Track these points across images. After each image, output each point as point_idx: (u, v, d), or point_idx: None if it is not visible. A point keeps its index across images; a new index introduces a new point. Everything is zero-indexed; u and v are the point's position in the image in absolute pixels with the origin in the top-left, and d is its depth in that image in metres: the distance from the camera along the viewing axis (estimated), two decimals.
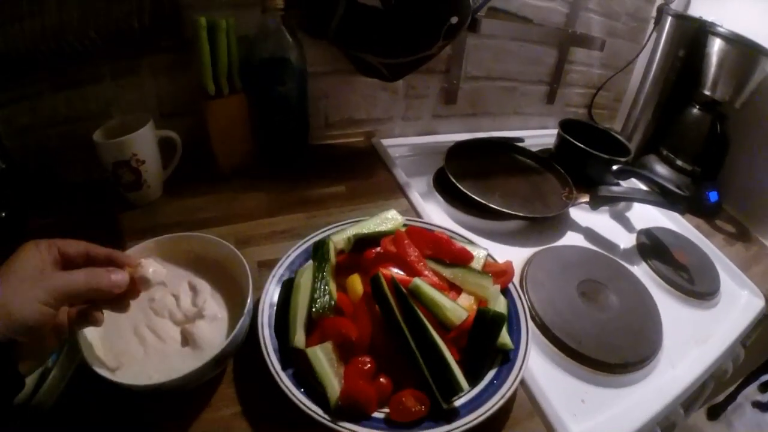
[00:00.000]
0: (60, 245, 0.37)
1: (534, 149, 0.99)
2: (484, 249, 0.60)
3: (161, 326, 0.50)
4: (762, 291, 0.79)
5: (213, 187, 0.74)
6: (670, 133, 1.04)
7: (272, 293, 0.54)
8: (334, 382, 0.44)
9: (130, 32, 0.67)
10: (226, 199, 0.73)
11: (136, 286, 0.40)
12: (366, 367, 0.46)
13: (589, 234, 0.84)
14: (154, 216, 0.68)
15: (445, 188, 0.84)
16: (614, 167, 0.88)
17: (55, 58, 0.64)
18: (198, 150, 0.74)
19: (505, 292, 0.57)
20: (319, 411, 0.43)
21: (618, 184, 0.93)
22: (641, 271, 0.77)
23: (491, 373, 0.49)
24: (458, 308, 0.49)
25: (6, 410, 0.32)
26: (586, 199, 0.83)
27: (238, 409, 0.46)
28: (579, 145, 0.91)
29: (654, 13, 1.07)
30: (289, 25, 0.71)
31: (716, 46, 0.92)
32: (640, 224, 0.90)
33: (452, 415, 0.45)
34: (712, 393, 1.11)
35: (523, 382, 0.52)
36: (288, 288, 0.54)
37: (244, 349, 0.48)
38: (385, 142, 0.95)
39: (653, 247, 0.83)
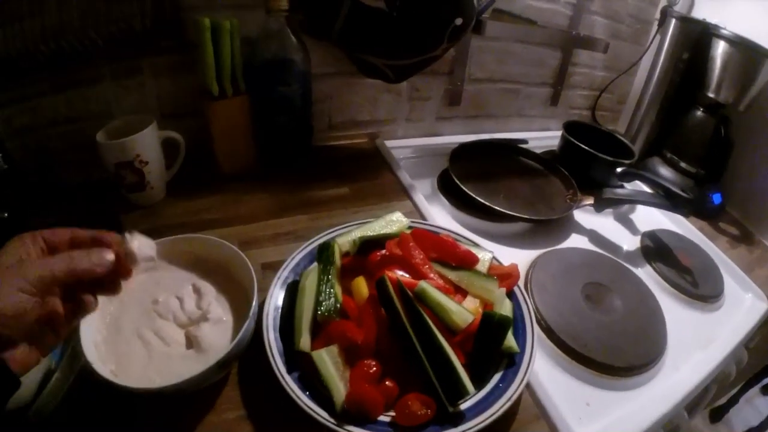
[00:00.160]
0: (45, 235, 0.36)
1: (537, 151, 0.99)
2: (490, 252, 0.60)
3: (165, 329, 0.50)
4: (765, 293, 0.79)
5: (216, 189, 0.74)
6: (674, 135, 1.04)
7: (277, 296, 0.54)
8: (339, 386, 0.44)
9: (132, 33, 0.67)
10: (229, 200, 0.72)
11: (125, 264, 0.38)
12: (372, 371, 0.45)
13: (593, 236, 0.84)
14: (157, 217, 0.68)
15: (450, 190, 0.84)
16: (618, 169, 0.87)
17: (55, 59, 0.63)
18: (200, 151, 0.73)
19: (510, 295, 0.57)
20: (325, 414, 0.43)
21: (622, 187, 0.93)
22: (645, 274, 0.77)
23: (497, 377, 0.49)
24: (464, 312, 0.48)
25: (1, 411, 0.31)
26: (590, 201, 0.83)
27: (243, 413, 0.46)
28: (583, 147, 0.91)
29: (657, 15, 1.07)
30: (293, 27, 0.70)
31: (720, 48, 0.92)
32: (643, 227, 0.89)
33: (458, 418, 0.45)
34: (715, 395, 1.11)
35: (528, 386, 0.52)
36: (293, 291, 0.54)
37: (248, 352, 0.48)
38: (389, 143, 0.94)
39: (657, 250, 0.83)
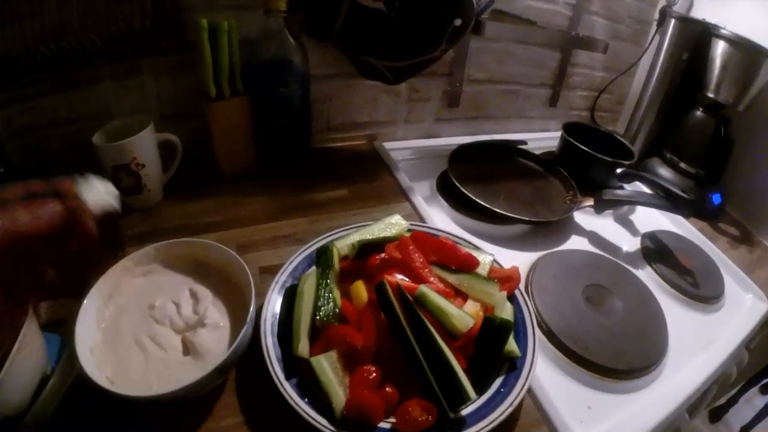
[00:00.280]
0: None
1: (537, 152, 0.98)
2: (490, 254, 0.60)
3: (162, 334, 0.49)
4: (766, 294, 0.79)
5: (214, 191, 0.73)
6: (674, 135, 1.03)
7: (275, 300, 0.53)
8: (339, 392, 0.44)
9: (131, 33, 0.66)
10: (227, 203, 0.72)
11: (79, 218, 0.32)
12: (371, 376, 0.45)
13: (594, 238, 0.83)
14: (154, 220, 0.68)
15: (449, 192, 0.83)
16: (618, 170, 0.87)
17: (55, 59, 0.63)
18: (199, 153, 0.73)
19: (511, 298, 0.56)
20: (324, 421, 0.42)
21: (622, 188, 0.93)
22: (646, 275, 0.77)
23: (498, 381, 0.49)
24: (465, 316, 0.48)
25: None
26: (590, 202, 0.83)
27: (241, 419, 0.46)
28: (583, 148, 0.90)
29: (656, 16, 1.07)
30: (292, 27, 0.70)
31: (720, 48, 0.92)
32: (643, 227, 0.89)
33: (459, 424, 0.44)
34: (715, 396, 1.11)
35: (529, 390, 0.52)
36: (291, 295, 0.53)
37: (246, 358, 0.47)
38: (388, 145, 0.94)
39: (657, 251, 0.82)
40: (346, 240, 0.58)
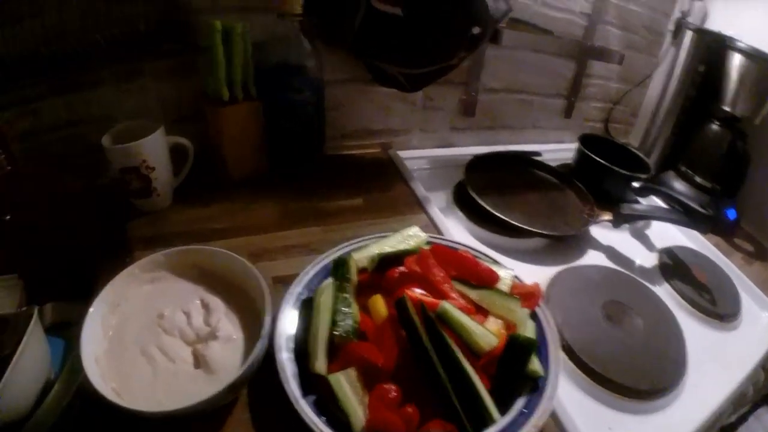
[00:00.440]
0: None
1: (551, 164, 0.97)
2: (510, 269, 0.58)
3: (171, 345, 0.48)
4: None
5: (224, 197, 0.72)
6: (689, 149, 1.02)
7: (289, 313, 0.51)
8: (358, 411, 0.42)
9: (134, 35, 0.65)
10: (237, 209, 0.70)
11: None
12: (392, 396, 0.43)
13: (610, 252, 0.82)
14: (162, 225, 0.66)
15: (465, 203, 0.82)
16: (634, 184, 0.86)
17: (56, 61, 0.62)
18: (204, 157, 0.71)
19: (533, 315, 0.54)
20: None
21: (637, 201, 0.91)
22: (664, 292, 0.75)
23: (520, 402, 0.47)
24: (488, 334, 0.46)
25: None
26: (608, 217, 0.81)
27: None
28: (599, 160, 0.89)
29: (670, 27, 1.06)
30: (307, 32, 0.69)
31: (736, 61, 0.91)
32: (658, 242, 0.88)
33: None
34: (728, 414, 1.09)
35: None
36: (306, 308, 0.51)
37: (259, 373, 0.46)
38: (402, 154, 0.93)
39: (675, 267, 0.81)
40: (363, 252, 0.56)
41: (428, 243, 0.59)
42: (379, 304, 0.49)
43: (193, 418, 0.42)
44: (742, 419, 1.47)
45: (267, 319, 0.46)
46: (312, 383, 0.45)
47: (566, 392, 0.56)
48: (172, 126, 0.68)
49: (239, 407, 0.46)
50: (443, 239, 0.64)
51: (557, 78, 1.04)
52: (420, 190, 0.81)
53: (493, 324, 0.50)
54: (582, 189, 0.89)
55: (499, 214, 0.75)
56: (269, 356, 0.46)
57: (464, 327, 0.46)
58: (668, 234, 0.91)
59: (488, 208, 0.75)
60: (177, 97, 0.73)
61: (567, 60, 1.01)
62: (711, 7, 1.04)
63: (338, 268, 0.53)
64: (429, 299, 0.49)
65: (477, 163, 0.87)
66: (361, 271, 0.55)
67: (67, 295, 0.54)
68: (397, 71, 0.74)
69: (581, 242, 0.82)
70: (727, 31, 0.95)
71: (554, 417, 0.51)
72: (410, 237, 0.59)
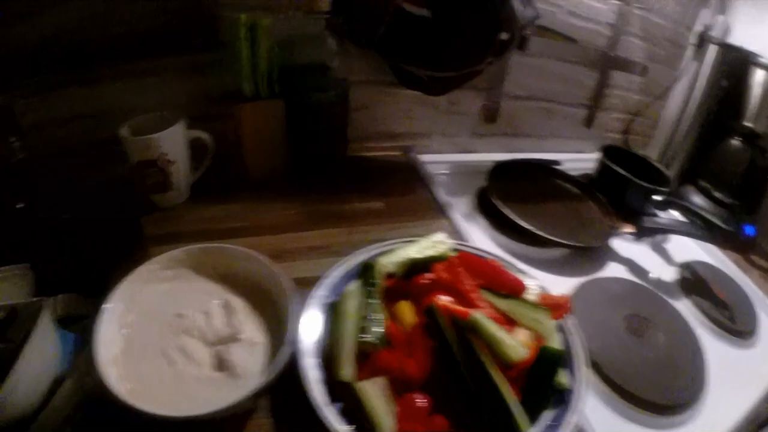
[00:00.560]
0: None
1: (570, 173, 0.96)
2: (537, 279, 0.57)
3: (190, 347, 0.47)
4: None
5: (242, 195, 0.71)
6: (709, 163, 1.01)
7: (313, 317, 0.50)
8: (386, 421, 0.41)
9: (156, 30, 0.65)
10: (255, 208, 0.69)
11: None
12: (422, 405, 0.42)
13: (631, 265, 0.81)
14: (178, 221, 0.65)
15: (487, 210, 0.81)
16: (655, 197, 0.85)
17: (74, 53, 0.62)
18: (221, 156, 0.71)
19: (561, 327, 0.53)
20: None
21: (655, 215, 0.90)
22: (684, 307, 0.75)
23: (548, 415, 0.46)
24: (519, 345, 0.45)
25: None
26: (631, 229, 0.80)
27: None
28: (622, 172, 0.88)
29: (692, 40, 1.05)
30: (333, 31, 0.68)
31: (759, 77, 0.90)
32: (677, 256, 0.87)
33: None
34: None
35: None
36: (332, 312, 0.50)
37: (282, 378, 0.44)
38: (423, 158, 0.92)
39: (695, 283, 0.80)
40: (390, 257, 0.55)
41: (455, 250, 0.58)
42: (407, 311, 0.48)
43: (213, 422, 0.41)
44: None
45: (292, 323, 0.45)
46: (337, 390, 0.44)
47: (589, 405, 0.54)
48: (189, 124, 0.68)
49: (261, 412, 0.45)
50: (470, 247, 0.64)
51: (580, 87, 1.03)
52: (441, 195, 0.81)
53: (522, 335, 0.49)
54: (602, 200, 0.88)
55: (523, 224, 0.74)
56: (292, 360, 0.45)
57: (495, 338, 0.45)
58: (686, 248, 0.90)
59: (513, 216, 0.75)
60: (197, 92, 0.72)
61: (590, 70, 1.00)
62: (733, 21, 1.03)
63: (366, 273, 0.52)
64: (457, 308, 0.48)
65: (499, 170, 0.86)
66: (388, 276, 0.54)
67: (78, 288, 0.53)
68: (424, 74, 0.73)
69: (601, 254, 0.81)
70: (750, 46, 0.94)
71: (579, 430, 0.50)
72: (437, 243, 0.58)
